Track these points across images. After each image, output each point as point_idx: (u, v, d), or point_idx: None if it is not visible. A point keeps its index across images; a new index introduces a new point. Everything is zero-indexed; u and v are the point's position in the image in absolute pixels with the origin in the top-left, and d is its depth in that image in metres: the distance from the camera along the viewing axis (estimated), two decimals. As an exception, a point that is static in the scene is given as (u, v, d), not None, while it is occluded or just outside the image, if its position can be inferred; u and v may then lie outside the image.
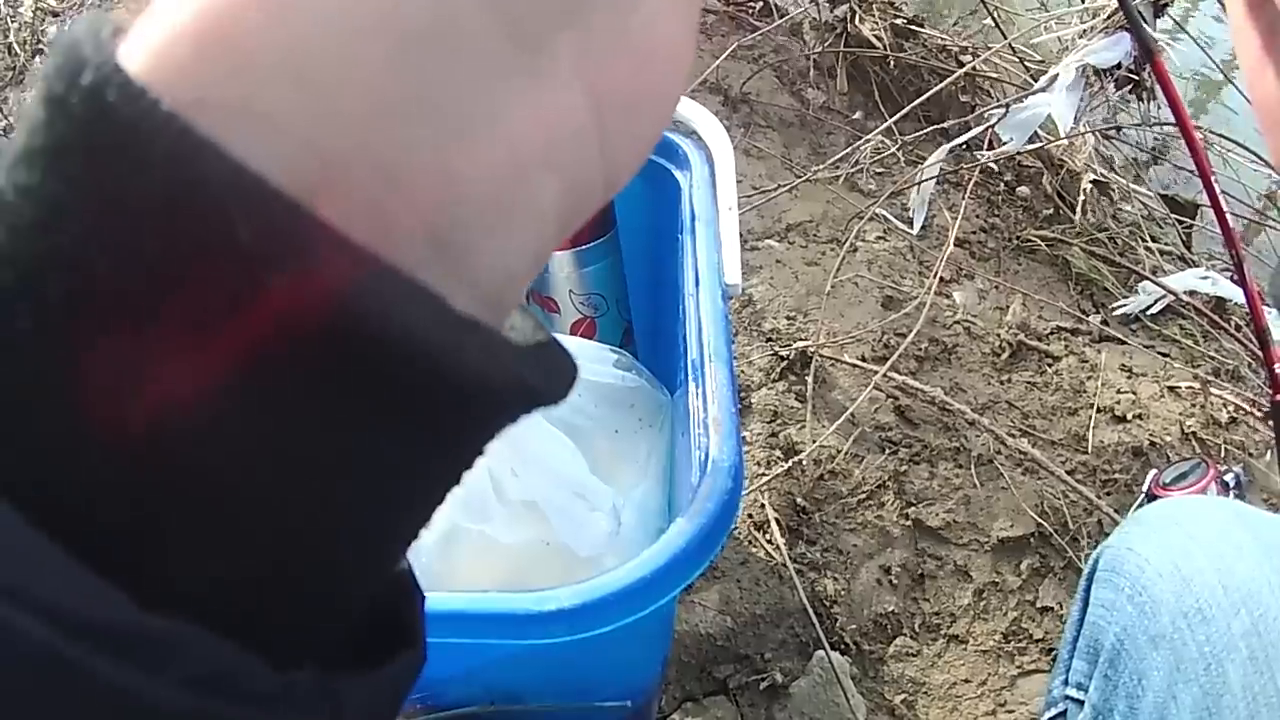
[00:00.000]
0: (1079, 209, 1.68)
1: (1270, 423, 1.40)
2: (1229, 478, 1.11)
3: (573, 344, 0.87)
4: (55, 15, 2.09)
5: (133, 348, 0.16)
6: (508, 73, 0.18)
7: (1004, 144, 1.54)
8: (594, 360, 0.85)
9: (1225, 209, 1.05)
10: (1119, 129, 1.83)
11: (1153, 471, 1.15)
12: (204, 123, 0.16)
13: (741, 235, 1.53)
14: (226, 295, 0.16)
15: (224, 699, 0.17)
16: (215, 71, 0.16)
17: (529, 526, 0.76)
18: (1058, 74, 1.45)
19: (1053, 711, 0.72)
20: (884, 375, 1.34)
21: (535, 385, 0.19)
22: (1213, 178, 1.04)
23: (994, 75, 1.91)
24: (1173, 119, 1.07)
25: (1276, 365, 1.02)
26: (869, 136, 1.66)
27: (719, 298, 0.75)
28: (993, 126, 1.56)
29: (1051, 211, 1.74)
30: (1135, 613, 0.63)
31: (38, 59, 1.98)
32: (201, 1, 0.16)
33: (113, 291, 0.16)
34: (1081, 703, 0.68)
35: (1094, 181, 1.70)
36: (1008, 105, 1.54)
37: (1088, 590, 0.71)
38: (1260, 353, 1.06)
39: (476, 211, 0.18)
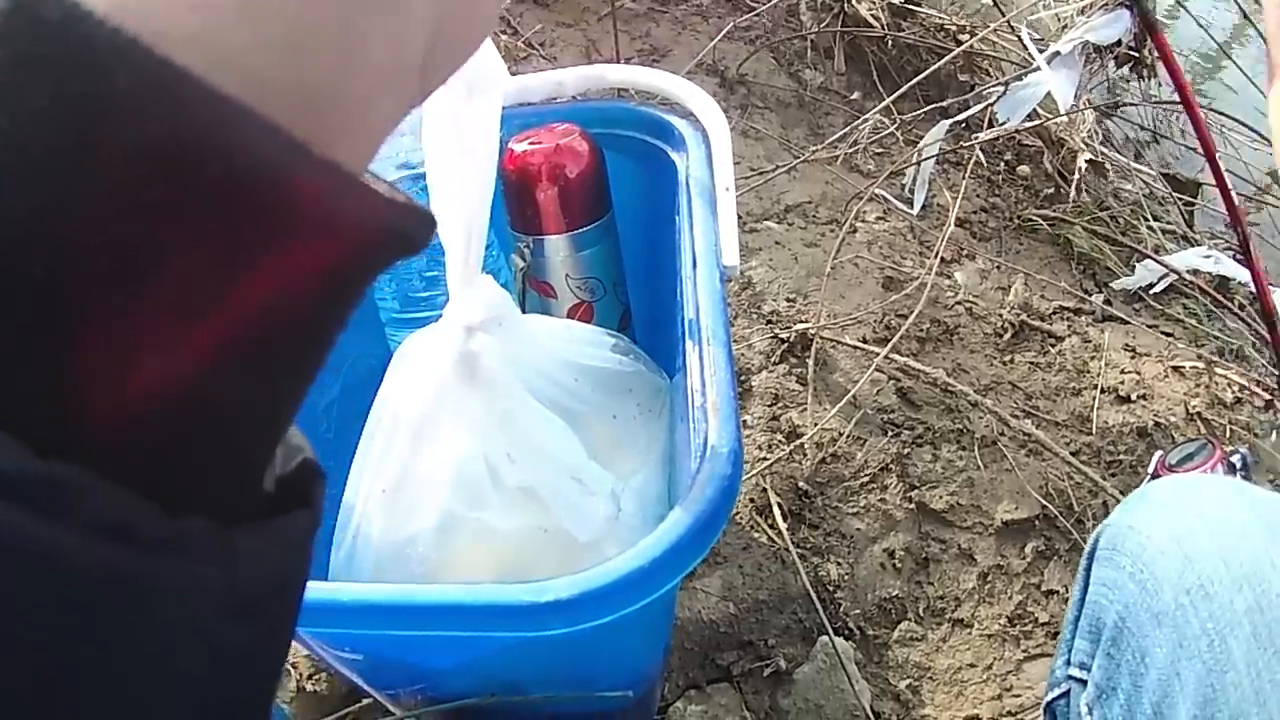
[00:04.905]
0: (1074, 187, 1.67)
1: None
2: (1235, 459, 1.10)
3: (569, 329, 0.85)
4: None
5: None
6: (381, 9, 0.20)
7: (1002, 123, 1.53)
8: (591, 345, 0.84)
9: (1230, 186, 1.04)
10: (1117, 106, 1.82)
11: (1158, 453, 1.13)
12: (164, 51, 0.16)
13: (740, 217, 1.51)
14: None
15: (121, 545, 0.18)
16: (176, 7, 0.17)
17: (527, 513, 0.75)
18: (1057, 51, 1.43)
19: (1056, 692, 0.72)
20: (885, 357, 1.32)
21: (408, 229, 0.21)
22: (1216, 154, 1.03)
23: (993, 54, 1.89)
24: (1174, 96, 1.05)
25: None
26: (867, 116, 1.64)
27: (716, 280, 0.74)
28: (991, 105, 1.54)
29: (1052, 190, 1.73)
30: (1137, 590, 0.63)
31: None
32: None
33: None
34: (1084, 682, 0.68)
35: (1089, 161, 1.69)
36: (1006, 83, 1.53)
37: (1089, 569, 0.70)
38: (1269, 335, 1.05)
39: (352, 112, 0.20)
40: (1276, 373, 1.44)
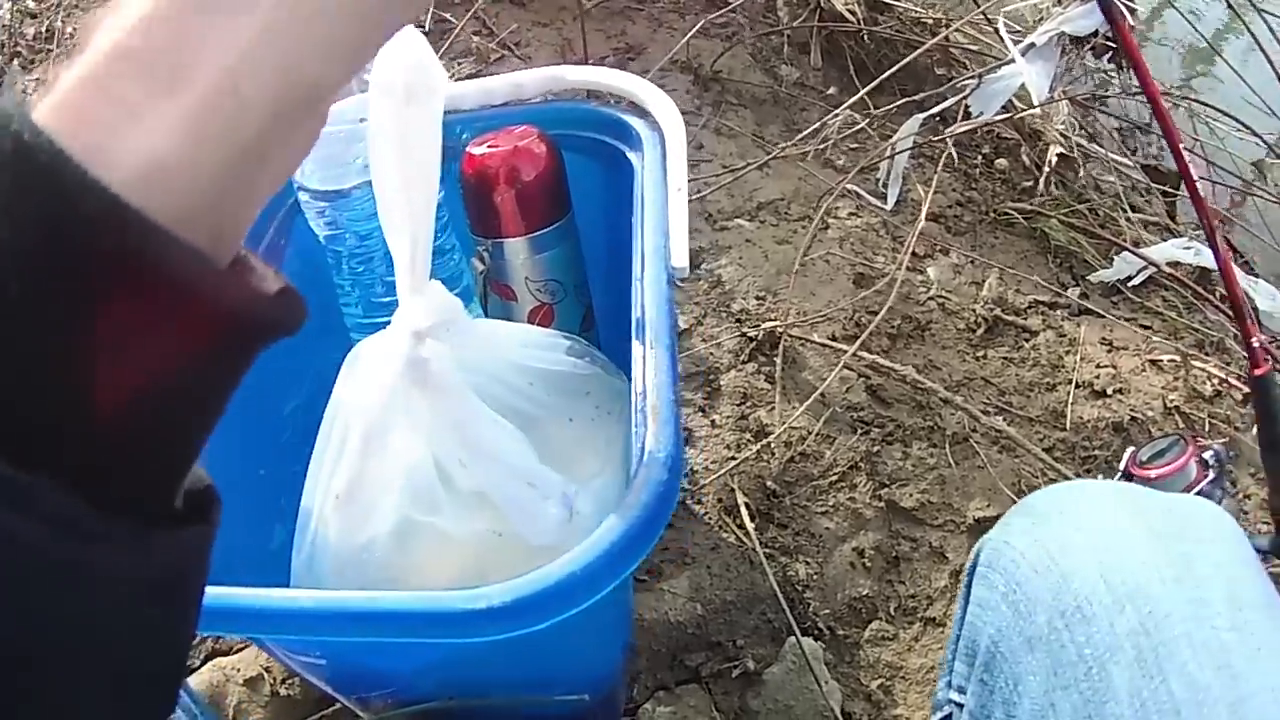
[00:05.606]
0: (1044, 180, 1.67)
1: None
2: (1208, 455, 1.09)
3: (525, 332, 0.85)
4: (33, 17, 2.07)
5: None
6: (268, 170, 0.30)
7: (976, 116, 1.52)
8: (545, 348, 0.83)
9: (1195, 176, 1.03)
10: (1095, 98, 1.81)
11: (1130, 449, 1.13)
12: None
13: (711, 215, 1.51)
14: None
15: (67, 535, 0.24)
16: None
17: (480, 517, 0.75)
18: (1033, 42, 1.43)
19: (939, 715, 0.68)
20: (855, 354, 1.32)
21: (279, 317, 0.29)
22: (1181, 144, 1.02)
23: (970, 47, 1.89)
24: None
25: (1254, 340, 1.01)
26: (838, 110, 1.64)
27: (664, 281, 0.73)
28: (965, 98, 1.53)
29: (1030, 184, 1.72)
30: (1010, 613, 0.59)
31: (15, 61, 1.97)
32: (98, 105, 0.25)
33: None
34: (964, 706, 0.64)
35: (1060, 154, 1.68)
36: (981, 76, 1.52)
37: (969, 586, 0.66)
38: (1236, 323, 1.04)
39: (242, 227, 0.29)
40: (1249, 367, 1.44)
